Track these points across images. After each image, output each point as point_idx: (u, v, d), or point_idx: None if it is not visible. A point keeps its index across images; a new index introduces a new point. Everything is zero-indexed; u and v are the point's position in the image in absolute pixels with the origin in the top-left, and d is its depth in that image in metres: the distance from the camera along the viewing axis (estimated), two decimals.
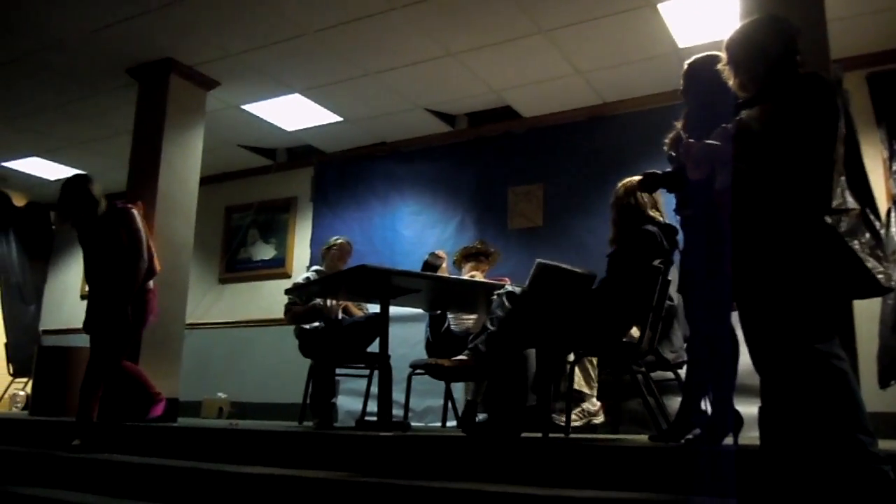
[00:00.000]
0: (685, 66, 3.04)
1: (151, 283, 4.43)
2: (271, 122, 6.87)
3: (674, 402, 3.69)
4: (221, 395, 6.96)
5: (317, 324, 4.94)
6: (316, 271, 5.23)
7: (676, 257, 3.28)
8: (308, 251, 7.49)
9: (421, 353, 4.95)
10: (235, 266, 8.04)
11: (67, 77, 6.01)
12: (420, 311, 5.08)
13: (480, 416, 3.86)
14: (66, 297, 8.94)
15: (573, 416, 3.84)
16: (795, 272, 2.07)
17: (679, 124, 3.04)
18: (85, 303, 4.51)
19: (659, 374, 3.85)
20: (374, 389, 4.59)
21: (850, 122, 2.21)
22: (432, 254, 5.02)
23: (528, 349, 3.38)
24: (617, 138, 6.02)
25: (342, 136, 7.17)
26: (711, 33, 4.78)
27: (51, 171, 8.26)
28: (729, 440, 2.76)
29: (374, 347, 4.61)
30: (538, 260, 3.28)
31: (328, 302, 4.87)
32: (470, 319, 4.84)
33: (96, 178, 4.47)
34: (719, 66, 2.47)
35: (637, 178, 3.27)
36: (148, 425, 4.32)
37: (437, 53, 5.51)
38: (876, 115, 5.04)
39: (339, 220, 7.34)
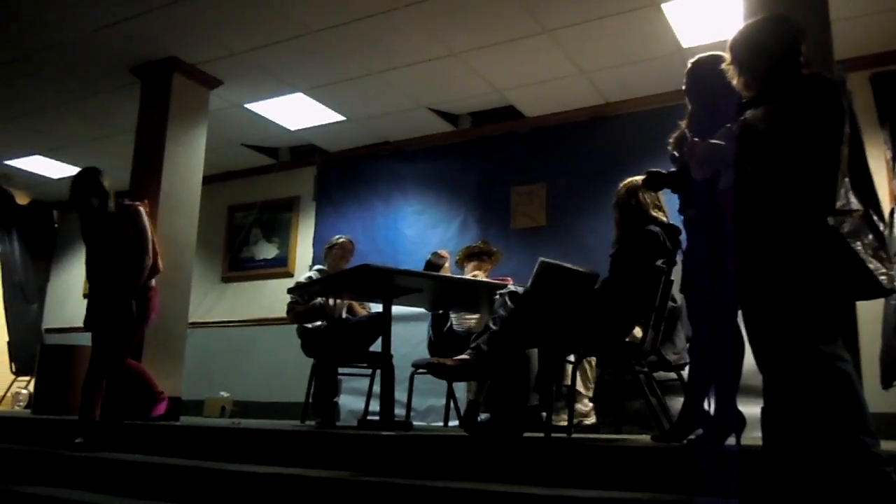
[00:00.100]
0: (689, 66, 3.04)
1: (153, 281, 4.44)
2: (274, 121, 6.87)
3: (676, 403, 3.69)
4: (224, 393, 6.96)
5: (319, 323, 4.94)
6: (318, 270, 5.24)
7: (679, 257, 3.28)
8: (311, 250, 7.49)
9: (423, 353, 4.95)
10: (238, 265, 8.04)
11: (70, 76, 6.02)
12: (422, 310, 5.08)
13: (483, 416, 3.86)
14: (69, 295, 8.95)
15: (564, 417, 3.84)
16: (798, 273, 2.07)
17: (683, 124, 3.04)
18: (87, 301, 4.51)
19: (661, 375, 3.84)
20: (377, 389, 4.60)
21: (854, 122, 2.21)
22: (435, 253, 5.02)
23: (530, 349, 3.38)
24: (620, 138, 6.02)
25: (345, 135, 7.17)
26: (715, 33, 4.77)
27: (54, 169, 8.27)
28: (731, 440, 2.76)
29: (376, 347, 4.61)
30: (541, 258, 3.28)
31: (330, 301, 4.87)
32: (472, 319, 4.84)
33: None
34: (723, 66, 2.47)
35: (640, 177, 3.27)
36: (151, 424, 4.33)
37: (440, 53, 5.51)
38: (879, 115, 5.03)
39: (341, 219, 7.35)
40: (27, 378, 7.89)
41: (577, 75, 5.78)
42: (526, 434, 3.26)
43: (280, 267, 7.70)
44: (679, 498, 2.28)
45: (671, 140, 3.15)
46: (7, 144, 7.65)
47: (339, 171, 7.57)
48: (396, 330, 4.22)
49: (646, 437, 3.44)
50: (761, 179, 2.17)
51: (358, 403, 5.71)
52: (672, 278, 3.36)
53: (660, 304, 3.29)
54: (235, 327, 7.72)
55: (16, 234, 8.93)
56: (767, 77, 2.31)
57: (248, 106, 6.56)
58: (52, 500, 3.27)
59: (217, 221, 8.08)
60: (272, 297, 7.27)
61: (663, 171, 3.07)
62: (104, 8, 5.00)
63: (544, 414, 3.30)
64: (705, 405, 2.92)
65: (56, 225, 9.51)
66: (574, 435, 3.46)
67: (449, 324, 4.78)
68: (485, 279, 4.65)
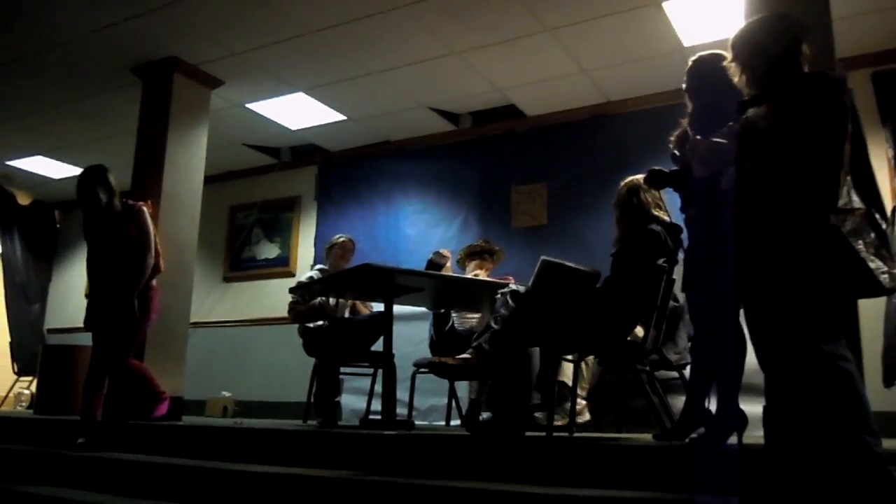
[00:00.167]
0: (689, 64, 3.03)
1: (154, 281, 4.44)
2: (275, 120, 6.88)
3: (678, 402, 3.69)
4: (226, 393, 6.97)
5: (321, 323, 4.94)
6: (320, 270, 5.24)
7: (681, 256, 3.28)
8: (312, 250, 7.50)
9: (425, 352, 4.95)
10: (240, 265, 8.05)
11: (71, 76, 6.02)
12: (424, 309, 5.08)
13: (484, 415, 3.86)
14: (71, 295, 8.95)
15: (558, 417, 3.85)
16: (800, 272, 2.07)
17: (685, 122, 3.04)
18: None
19: (663, 373, 3.84)
20: (378, 388, 4.59)
21: (856, 121, 2.21)
22: (436, 252, 5.02)
23: (531, 348, 3.38)
24: (621, 137, 6.01)
25: (346, 134, 7.17)
26: (716, 32, 4.77)
27: (55, 169, 8.28)
28: (733, 439, 2.76)
29: (378, 346, 4.61)
30: (543, 257, 3.28)
31: (330, 300, 4.88)
32: (474, 318, 4.84)
33: None
34: (725, 64, 2.47)
35: (641, 176, 3.27)
36: (153, 424, 4.33)
37: (440, 52, 5.51)
38: (881, 113, 5.03)
39: (343, 218, 7.35)
40: (29, 378, 7.89)
41: (578, 74, 5.77)
42: (527, 433, 3.26)
43: (281, 267, 7.71)
44: (681, 497, 2.28)
45: (672, 138, 3.15)
46: (8, 145, 7.66)
47: (340, 171, 7.57)
48: (398, 329, 4.22)
49: (647, 436, 3.44)
50: (763, 178, 2.17)
51: (360, 403, 5.71)
52: (674, 277, 3.36)
53: (661, 303, 3.29)
54: (237, 327, 7.73)
55: (17, 235, 8.93)
56: (767, 75, 2.31)
57: (249, 106, 6.57)
58: (54, 500, 3.27)
59: (218, 221, 8.09)
60: (274, 296, 7.28)
61: (665, 170, 3.07)
62: (105, 8, 5.01)
63: (537, 415, 3.31)
64: (707, 404, 2.92)
65: (58, 225, 9.52)
66: (577, 434, 3.46)
67: (450, 323, 4.78)
68: (486, 278, 4.65)
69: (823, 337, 2.04)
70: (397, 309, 4.24)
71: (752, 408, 2.71)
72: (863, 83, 5.01)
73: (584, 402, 4.53)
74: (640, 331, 3.30)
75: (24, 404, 7.88)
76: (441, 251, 5.04)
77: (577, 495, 2.33)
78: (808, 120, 2.13)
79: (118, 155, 6.74)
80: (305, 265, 7.33)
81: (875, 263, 2.06)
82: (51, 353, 6.21)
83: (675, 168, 3.09)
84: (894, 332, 4.11)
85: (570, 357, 3.59)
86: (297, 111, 6.66)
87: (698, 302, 2.98)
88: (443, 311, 4.81)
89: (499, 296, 3.32)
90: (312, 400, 4.92)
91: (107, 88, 6.21)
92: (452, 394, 4.98)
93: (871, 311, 3.44)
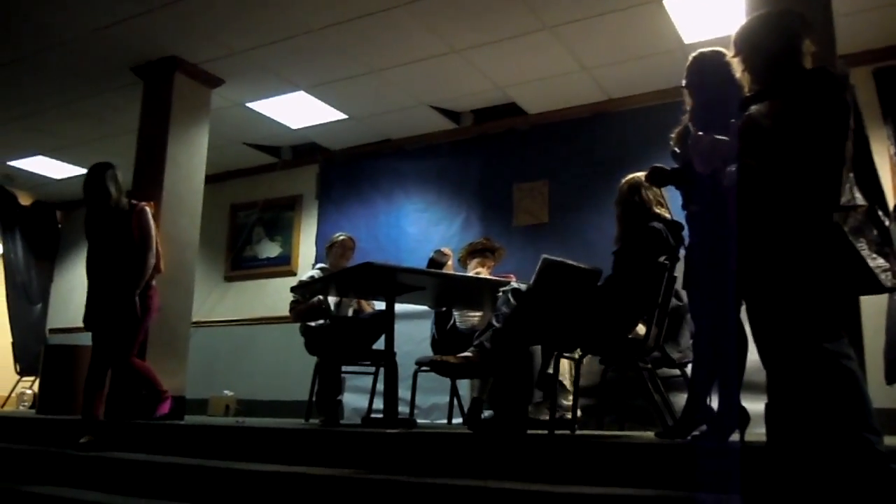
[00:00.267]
0: (690, 60, 3.02)
1: (154, 281, 4.45)
2: (276, 119, 6.87)
3: (680, 399, 3.69)
4: (228, 392, 6.97)
5: (322, 321, 4.95)
6: (321, 269, 5.24)
7: (682, 253, 3.27)
8: (313, 249, 7.50)
9: (426, 351, 4.95)
10: (241, 264, 8.05)
11: (72, 76, 6.02)
12: (426, 308, 5.08)
13: (486, 413, 3.87)
14: (73, 295, 8.94)
15: (546, 410, 3.85)
16: (802, 270, 2.07)
17: (685, 118, 3.03)
18: None
19: (665, 371, 3.84)
20: (380, 387, 4.59)
21: (858, 117, 2.20)
22: (437, 251, 5.02)
23: (533, 346, 3.38)
24: (622, 135, 6.01)
25: (347, 133, 7.17)
26: (717, 29, 4.76)
27: (56, 169, 8.28)
28: (735, 437, 2.76)
29: (379, 345, 4.61)
30: (544, 255, 3.28)
31: (329, 299, 4.89)
32: (475, 316, 4.84)
33: None
34: (729, 60, 2.47)
35: (641, 173, 3.26)
36: (155, 423, 4.33)
37: (441, 50, 5.50)
38: (882, 110, 5.03)
39: (344, 217, 7.35)
40: (32, 378, 7.90)
41: (578, 72, 5.77)
42: (529, 431, 3.26)
43: (283, 266, 7.71)
44: (683, 494, 2.28)
45: (673, 136, 3.14)
46: (9, 145, 7.66)
47: (342, 170, 7.57)
48: (400, 328, 4.22)
49: (649, 434, 3.44)
50: (765, 175, 2.17)
51: (361, 401, 5.71)
52: (675, 275, 3.35)
53: (663, 300, 3.28)
54: (239, 326, 7.73)
55: (19, 235, 8.94)
56: (765, 72, 2.31)
57: (249, 105, 6.56)
58: (57, 499, 3.28)
59: (220, 220, 8.10)
60: (275, 295, 7.28)
61: (666, 167, 3.06)
62: (105, 7, 5.01)
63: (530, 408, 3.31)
64: (708, 402, 2.92)
65: (59, 225, 9.52)
66: (579, 432, 3.46)
67: (452, 321, 4.78)
68: (488, 276, 4.65)
69: (826, 335, 2.04)
70: (399, 307, 4.23)
71: (754, 405, 2.71)
72: (864, 80, 5.01)
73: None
74: (641, 329, 3.30)
75: (26, 404, 7.88)
76: (442, 249, 5.04)
77: (580, 493, 2.33)
78: (810, 117, 2.12)
79: (119, 154, 6.72)
80: (307, 264, 7.33)
81: (876, 262, 2.05)
82: (53, 352, 6.22)
83: (675, 166, 3.09)
84: None
85: (573, 356, 3.59)
86: (297, 110, 6.66)
87: (699, 299, 2.98)
88: (444, 309, 4.81)
89: (500, 294, 3.32)
90: (314, 399, 4.93)
91: (107, 88, 6.21)
92: (454, 392, 4.98)
93: (873, 308, 3.43)
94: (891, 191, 4.78)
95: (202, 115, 5.95)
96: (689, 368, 3.45)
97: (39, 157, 8.00)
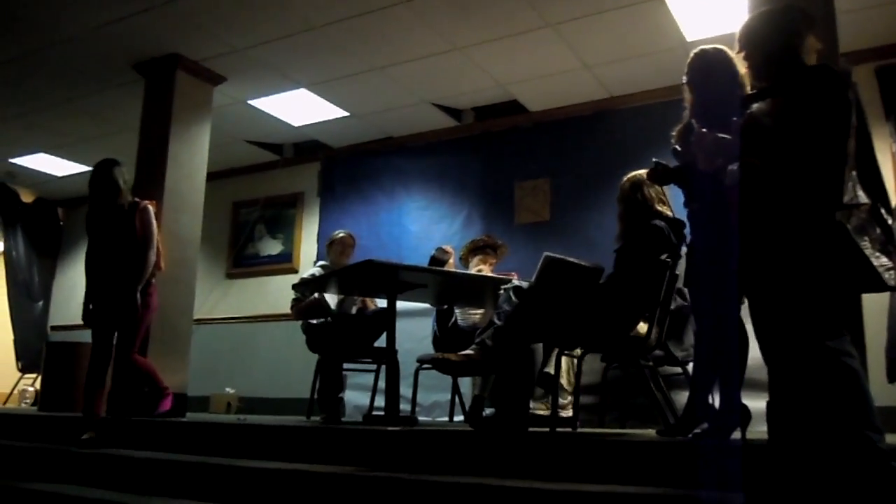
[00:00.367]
0: (691, 57, 3.00)
1: (153, 279, 4.45)
2: (278, 117, 6.87)
3: (681, 397, 3.69)
4: (229, 390, 6.98)
5: (324, 319, 4.95)
6: (322, 266, 5.24)
7: (684, 251, 3.27)
8: (315, 246, 7.50)
9: (428, 348, 4.95)
10: (243, 261, 8.06)
11: (74, 73, 6.02)
12: (427, 305, 5.08)
13: (487, 411, 3.86)
14: (75, 292, 8.93)
15: (542, 406, 3.85)
16: (805, 269, 2.06)
17: (686, 114, 3.02)
18: None
19: (666, 369, 3.84)
20: (382, 384, 4.60)
21: (861, 115, 2.20)
22: (439, 249, 5.02)
23: (534, 344, 3.37)
24: (624, 132, 6.00)
25: (349, 131, 7.17)
26: (720, 26, 4.76)
27: (58, 167, 8.29)
28: (737, 435, 2.76)
29: (381, 342, 4.61)
30: (546, 253, 3.28)
31: (326, 296, 4.88)
32: (477, 314, 4.84)
33: None
34: (730, 57, 2.47)
35: (643, 171, 3.26)
36: (157, 420, 4.34)
37: (443, 48, 5.50)
38: (885, 108, 5.02)
39: (346, 215, 7.35)
40: (33, 375, 7.91)
41: (580, 69, 5.76)
42: (530, 429, 3.26)
43: (285, 263, 7.71)
44: (684, 492, 2.27)
45: (674, 133, 3.13)
46: (11, 142, 7.66)
47: (343, 167, 7.57)
48: (401, 325, 4.22)
49: (651, 432, 3.44)
50: (768, 174, 2.16)
51: (363, 399, 5.72)
52: (677, 272, 3.35)
53: (665, 298, 3.28)
54: (240, 324, 7.74)
55: (21, 232, 8.94)
56: (766, 69, 2.30)
57: (251, 102, 6.56)
58: (59, 496, 3.28)
59: (221, 218, 8.10)
60: (277, 293, 7.29)
61: (668, 164, 3.06)
62: (107, 5, 5.01)
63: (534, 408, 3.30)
64: (710, 399, 2.92)
65: (61, 222, 9.53)
66: (580, 430, 3.46)
67: (454, 319, 4.78)
68: (489, 274, 4.65)
69: (827, 333, 2.04)
70: (400, 305, 4.23)
71: (756, 403, 2.71)
72: (867, 78, 5.00)
73: (570, 398, 4.52)
74: (643, 327, 3.30)
75: (28, 401, 7.89)
76: (444, 247, 5.05)
77: (581, 491, 2.33)
78: (813, 115, 2.12)
79: (121, 152, 6.70)
80: (308, 262, 7.33)
81: (880, 260, 2.05)
82: (54, 350, 6.23)
83: (676, 164, 3.08)
84: None
85: (573, 354, 3.58)
86: (299, 107, 6.66)
87: (701, 297, 2.97)
88: (446, 307, 4.81)
89: (502, 291, 3.31)
90: (316, 396, 4.93)
91: (109, 85, 6.22)
92: (455, 390, 4.98)
93: (875, 306, 3.43)
94: (893, 189, 4.76)
95: (204, 113, 5.95)
96: (690, 366, 3.45)
97: (41, 155, 8.01)
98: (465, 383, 5.18)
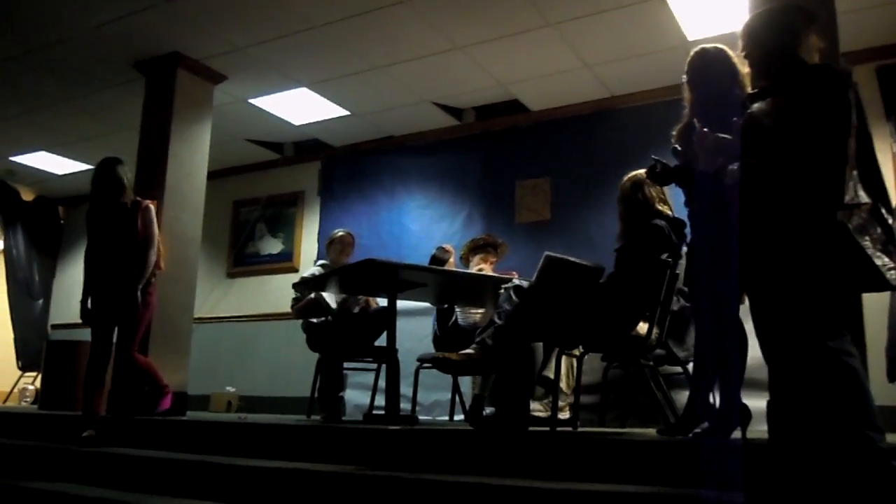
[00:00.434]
0: (692, 55, 3.00)
1: (154, 278, 4.45)
2: (279, 116, 6.87)
3: (682, 396, 3.69)
4: (230, 388, 6.97)
5: (324, 318, 4.95)
6: (322, 265, 5.24)
7: (684, 251, 3.27)
8: (315, 245, 7.50)
9: (428, 347, 4.95)
10: (243, 260, 8.06)
11: (74, 72, 6.02)
12: (428, 305, 5.08)
13: (488, 410, 3.86)
14: (75, 291, 8.82)
15: (540, 406, 3.85)
16: (806, 269, 2.06)
17: (686, 113, 3.02)
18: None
19: (667, 368, 3.84)
20: (382, 383, 4.59)
21: (861, 114, 2.20)
22: (440, 248, 5.02)
23: (535, 343, 3.37)
24: (625, 132, 6.00)
25: (349, 130, 7.17)
26: (720, 26, 4.76)
27: (59, 165, 8.29)
28: (737, 434, 2.76)
29: (381, 341, 4.61)
30: (546, 252, 3.28)
31: (324, 294, 4.88)
32: (477, 313, 4.84)
33: None
34: (730, 56, 2.47)
35: (644, 171, 3.25)
36: (157, 419, 4.34)
37: (444, 47, 5.50)
38: (885, 108, 5.02)
39: (346, 214, 7.35)
40: (33, 374, 7.91)
41: (581, 69, 5.76)
42: (531, 428, 3.26)
43: (285, 262, 7.71)
44: (684, 492, 2.27)
45: (674, 133, 3.13)
46: (12, 140, 7.66)
47: (344, 166, 7.57)
48: (402, 324, 4.22)
49: (651, 431, 3.44)
50: (768, 174, 2.16)
51: (363, 398, 5.72)
52: (678, 272, 3.35)
53: (665, 298, 3.28)
54: (241, 322, 7.74)
55: (21, 231, 8.94)
56: (765, 67, 2.30)
57: (252, 101, 6.56)
58: (59, 495, 3.28)
59: (222, 217, 8.09)
60: (277, 292, 7.28)
61: (668, 163, 3.05)
62: (107, 3, 5.00)
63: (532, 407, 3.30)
64: (710, 399, 2.92)
65: (61, 221, 9.53)
66: (581, 429, 3.46)
67: (454, 318, 4.78)
68: (490, 273, 4.65)
69: (828, 332, 2.04)
70: (401, 304, 4.24)
71: (756, 402, 2.71)
72: (867, 78, 5.00)
73: (567, 400, 4.52)
74: (643, 327, 3.30)
75: (28, 400, 7.90)
76: (444, 246, 5.04)
77: (581, 490, 2.33)
78: (813, 114, 2.12)
79: (121, 151, 6.69)
80: (309, 260, 7.33)
81: (881, 260, 2.05)
82: (55, 348, 6.23)
83: (676, 163, 3.08)
84: None
85: (574, 353, 3.58)
86: (300, 106, 6.66)
87: (701, 297, 2.97)
88: (446, 306, 4.81)
89: (502, 291, 3.31)
90: (316, 395, 4.93)
91: (110, 84, 6.22)
92: (456, 389, 4.98)
93: (875, 305, 3.44)
94: (894, 188, 4.76)
95: (204, 112, 5.95)
96: (690, 366, 3.45)
97: (42, 153, 8.01)
98: (466, 382, 5.18)
